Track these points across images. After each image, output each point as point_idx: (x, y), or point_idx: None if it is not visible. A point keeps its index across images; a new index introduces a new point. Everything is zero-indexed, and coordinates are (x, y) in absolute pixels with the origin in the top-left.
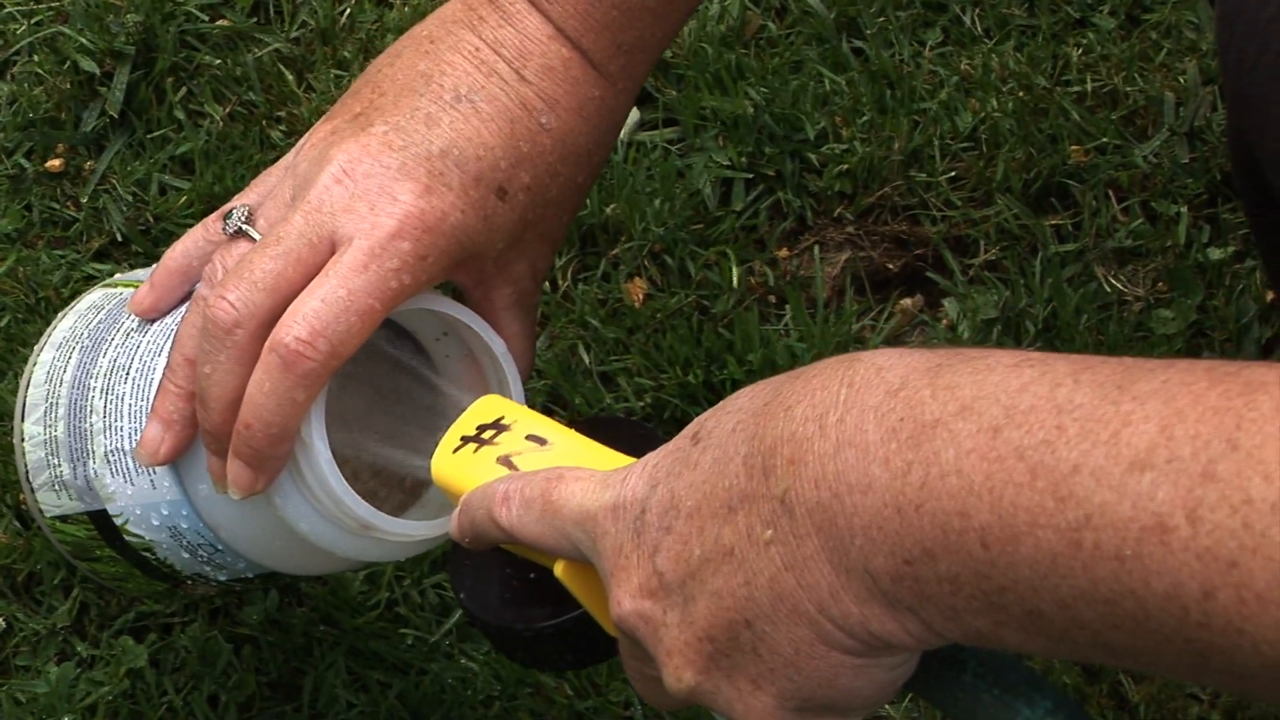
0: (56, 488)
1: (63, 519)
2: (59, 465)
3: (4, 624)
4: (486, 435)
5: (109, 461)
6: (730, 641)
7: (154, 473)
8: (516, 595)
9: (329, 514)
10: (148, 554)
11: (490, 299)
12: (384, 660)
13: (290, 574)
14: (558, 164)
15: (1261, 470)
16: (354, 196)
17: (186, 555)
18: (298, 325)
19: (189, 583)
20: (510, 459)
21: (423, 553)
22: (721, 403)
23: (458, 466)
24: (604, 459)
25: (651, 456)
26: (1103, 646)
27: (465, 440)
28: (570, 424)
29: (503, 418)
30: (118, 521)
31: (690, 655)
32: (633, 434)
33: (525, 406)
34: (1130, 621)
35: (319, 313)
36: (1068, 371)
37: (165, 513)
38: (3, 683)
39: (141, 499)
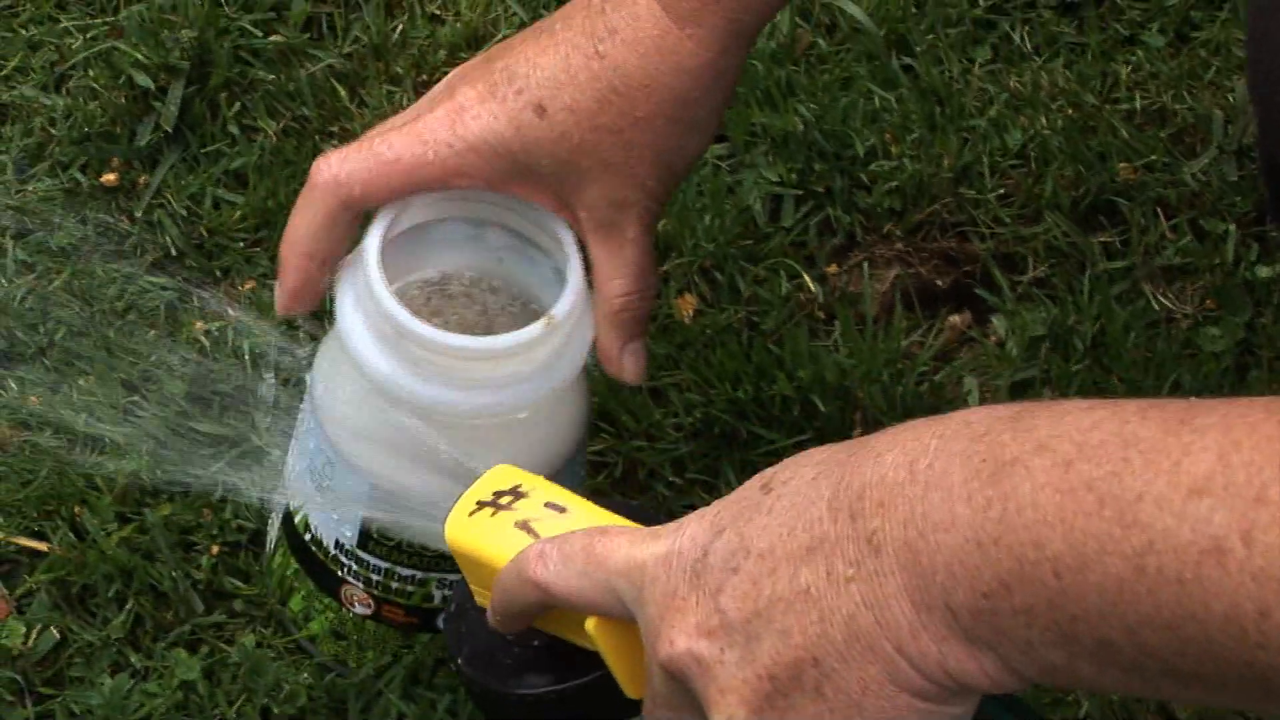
0: (274, 512)
1: (271, 554)
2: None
3: (58, 636)
4: (504, 501)
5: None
6: (792, 681)
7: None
8: (518, 662)
9: (375, 324)
10: (306, 533)
11: (578, 221)
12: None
13: (387, 487)
14: (607, 91)
15: None
16: (430, 98)
17: (320, 500)
18: (331, 157)
19: (344, 587)
20: (529, 524)
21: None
22: (790, 459)
23: (474, 530)
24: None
25: (710, 507)
26: (1172, 675)
27: (481, 505)
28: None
29: (520, 485)
30: (289, 504)
31: (746, 693)
32: (641, 518)
33: (542, 477)
34: (1194, 647)
35: (347, 154)
36: (1135, 410)
37: (303, 431)
38: (58, 695)
39: (293, 451)
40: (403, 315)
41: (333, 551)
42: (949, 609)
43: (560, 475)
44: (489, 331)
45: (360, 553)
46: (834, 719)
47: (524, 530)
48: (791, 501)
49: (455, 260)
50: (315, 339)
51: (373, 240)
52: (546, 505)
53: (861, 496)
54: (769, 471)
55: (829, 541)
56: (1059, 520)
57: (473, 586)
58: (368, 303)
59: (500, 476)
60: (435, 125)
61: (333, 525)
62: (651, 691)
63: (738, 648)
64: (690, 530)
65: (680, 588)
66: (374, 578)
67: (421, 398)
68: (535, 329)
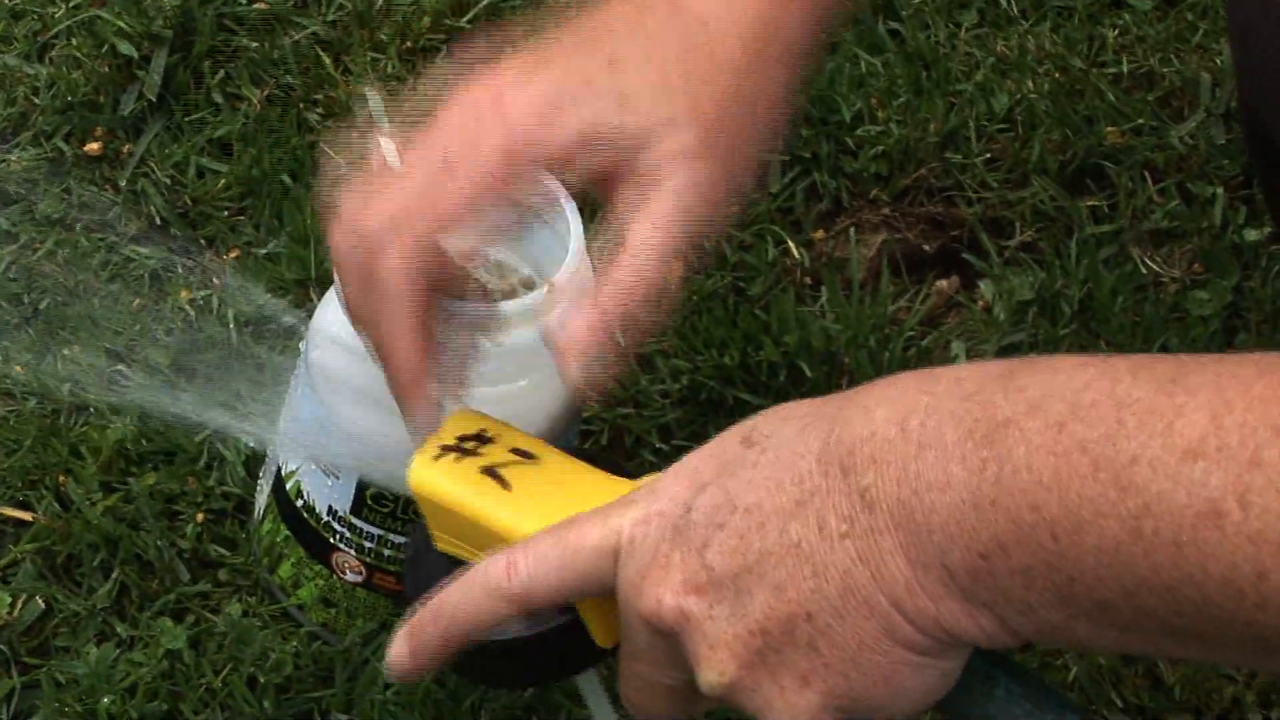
0: (262, 479)
1: (260, 521)
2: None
3: (44, 606)
4: (469, 446)
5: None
6: (785, 636)
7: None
8: None
9: None
10: (298, 499)
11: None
12: None
13: (382, 452)
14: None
15: None
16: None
17: (313, 465)
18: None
19: (335, 554)
20: (496, 470)
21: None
22: (766, 412)
23: (438, 474)
24: (597, 478)
25: (685, 464)
26: (1170, 634)
27: (445, 449)
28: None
29: (484, 430)
30: (281, 467)
31: (737, 648)
32: (608, 467)
33: (506, 423)
34: (1192, 607)
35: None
36: (1126, 368)
37: (297, 396)
38: (43, 664)
39: (285, 416)
40: None
41: (325, 518)
42: (945, 568)
43: (554, 444)
44: (485, 299)
45: (354, 519)
46: (828, 674)
47: (490, 476)
48: (777, 455)
49: None
50: (300, 307)
51: None
52: (513, 451)
53: (852, 451)
54: (745, 425)
55: (819, 495)
56: (1054, 483)
57: (434, 531)
58: None
59: (463, 422)
60: (499, 96)
61: (326, 491)
62: (631, 647)
63: (727, 603)
64: (669, 489)
65: (662, 545)
66: (366, 544)
67: None
68: (536, 296)
